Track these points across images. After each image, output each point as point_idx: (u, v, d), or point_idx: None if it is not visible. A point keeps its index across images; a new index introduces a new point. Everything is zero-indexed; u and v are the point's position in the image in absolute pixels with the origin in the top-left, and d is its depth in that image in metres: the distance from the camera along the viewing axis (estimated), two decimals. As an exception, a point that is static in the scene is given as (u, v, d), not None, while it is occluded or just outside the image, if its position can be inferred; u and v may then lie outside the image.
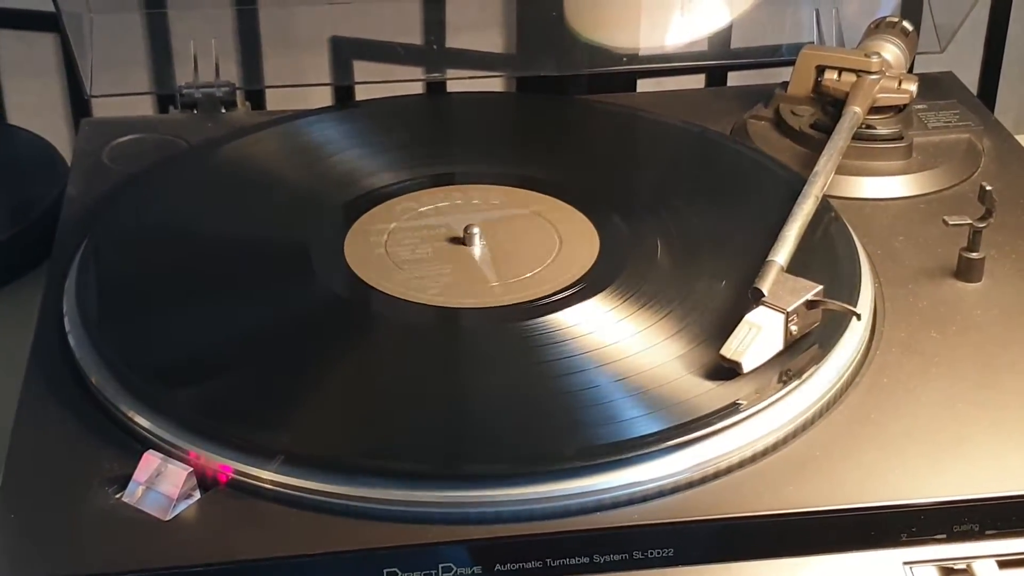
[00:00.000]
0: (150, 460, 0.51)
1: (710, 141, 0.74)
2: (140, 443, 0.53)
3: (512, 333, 0.59)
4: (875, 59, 0.74)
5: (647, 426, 0.54)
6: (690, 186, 0.71)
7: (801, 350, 0.57)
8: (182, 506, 0.51)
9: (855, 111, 0.71)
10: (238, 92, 0.80)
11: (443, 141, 0.75)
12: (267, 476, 0.52)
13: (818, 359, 0.57)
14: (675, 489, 0.53)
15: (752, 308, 0.57)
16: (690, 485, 0.53)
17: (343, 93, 0.96)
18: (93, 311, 0.59)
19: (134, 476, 0.51)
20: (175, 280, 0.62)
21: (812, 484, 0.53)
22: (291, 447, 0.52)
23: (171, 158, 0.72)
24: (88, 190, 0.70)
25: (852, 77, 0.74)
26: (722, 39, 0.90)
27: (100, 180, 0.71)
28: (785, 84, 0.78)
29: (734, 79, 0.97)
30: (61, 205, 0.74)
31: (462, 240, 0.65)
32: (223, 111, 0.78)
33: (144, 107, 0.93)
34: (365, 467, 0.52)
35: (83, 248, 0.63)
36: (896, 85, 0.73)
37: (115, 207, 0.67)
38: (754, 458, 0.54)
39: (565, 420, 0.55)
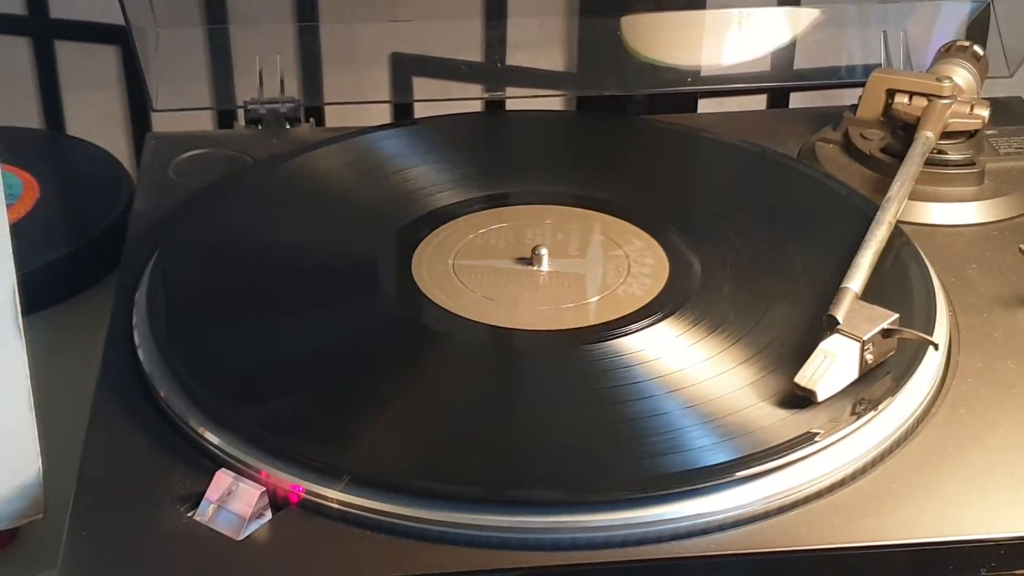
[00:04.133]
0: (222, 479, 0.51)
1: (779, 163, 0.73)
2: (210, 460, 0.53)
3: (579, 357, 0.59)
4: (947, 84, 0.73)
5: (717, 455, 0.53)
6: (759, 209, 0.70)
7: (876, 380, 0.56)
8: (254, 526, 0.50)
9: (927, 136, 0.70)
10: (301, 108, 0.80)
11: (511, 159, 0.75)
12: (337, 497, 0.51)
13: (894, 389, 0.56)
14: (747, 520, 0.52)
15: (826, 336, 0.56)
16: (766, 515, 0.52)
17: (402, 110, 0.97)
18: (162, 326, 0.59)
19: (206, 495, 0.51)
20: (243, 296, 0.62)
21: (889, 517, 0.52)
22: (360, 468, 0.52)
23: (238, 173, 0.72)
24: (155, 205, 0.70)
25: (923, 101, 0.73)
26: (785, 59, 0.89)
27: (166, 194, 0.71)
28: (854, 107, 0.77)
29: (796, 100, 0.97)
30: (126, 218, 0.75)
31: (530, 261, 0.64)
32: (287, 127, 0.79)
33: (203, 121, 0.94)
34: (434, 490, 0.51)
35: (152, 263, 0.63)
36: (968, 110, 0.72)
37: (184, 222, 0.67)
38: (831, 488, 0.53)
39: (632, 447, 0.54)
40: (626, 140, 0.78)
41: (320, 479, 0.52)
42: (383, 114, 0.97)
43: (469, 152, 0.74)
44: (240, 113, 0.90)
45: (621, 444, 0.54)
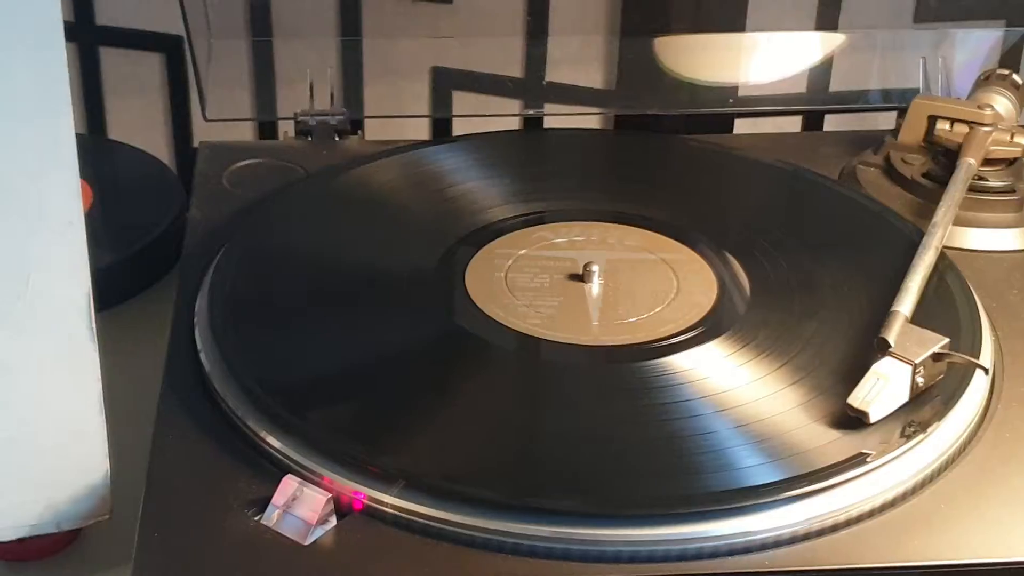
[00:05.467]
0: (288, 484, 0.52)
1: (823, 187, 0.75)
2: (273, 464, 0.54)
3: (628, 374, 0.60)
4: (988, 111, 0.74)
5: (767, 475, 0.54)
6: (802, 230, 0.71)
7: (925, 402, 0.57)
8: (319, 531, 0.51)
9: (970, 163, 0.72)
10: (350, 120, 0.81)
11: (563, 176, 0.76)
12: (399, 504, 0.53)
13: (942, 412, 0.57)
14: (796, 539, 0.53)
15: (878, 358, 0.58)
16: (816, 534, 0.53)
17: (440, 124, 0.98)
18: (224, 332, 0.60)
19: (272, 499, 0.52)
20: (302, 303, 0.63)
21: (937, 538, 0.53)
22: (423, 476, 0.53)
23: (295, 183, 0.74)
24: (210, 212, 0.71)
25: (964, 128, 0.74)
26: (821, 82, 0.90)
27: (221, 202, 0.72)
28: (895, 131, 0.78)
29: (830, 122, 0.98)
30: (177, 224, 0.76)
31: (581, 277, 0.65)
32: (336, 139, 0.80)
33: (243, 130, 0.95)
34: (496, 501, 0.52)
35: (212, 269, 0.64)
36: (1009, 138, 0.74)
37: (244, 230, 0.68)
38: (881, 509, 0.54)
39: (681, 465, 0.55)
40: (686, 161, 0.79)
41: (382, 486, 0.53)
42: (422, 126, 0.99)
43: (519, 168, 0.75)
44: (281, 124, 0.93)
45: (670, 461, 0.55)
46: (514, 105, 0.94)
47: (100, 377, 0.54)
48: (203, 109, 0.79)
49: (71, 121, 0.52)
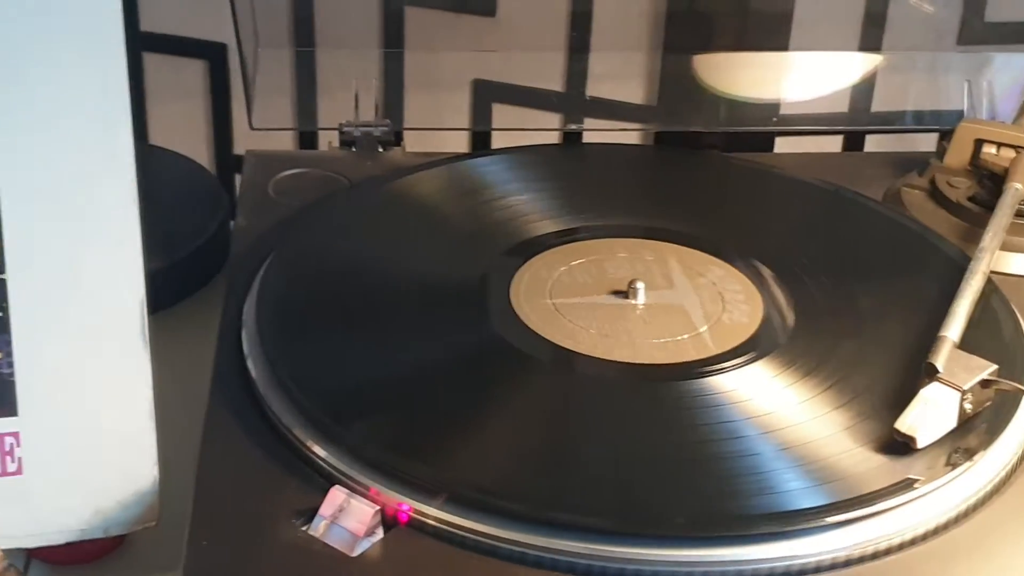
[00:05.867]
0: (336, 495, 0.53)
1: (867, 208, 0.75)
2: (319, 474, 0.55)
3: (670, 393, 0.60)
4: (1035, 136, 0.74)
5: (811, 499, 0.54)
6: (846, 252, 0.71)
7: (972, 429, 0.57)
8: (366, 543, 0.52)
9: (1016, 187, 0.71)
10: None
11: (607, 191, 0.76)
12: (446, 518, 0.53)
13: (990, 439, 0.57)
14: (839, 564, 0.53)
15: (925, 383, 0.57)
16: (863, 560, 0.53)
17: (479, 137, 0.98)
18: (271, 340, 0.60)
19: (320, 510, 0.52)
20: (348, 313, 0.64)
21: (983, 565, 0.53)
22: (471, 491, 0.53)
23: (342, 193, 0.74)
24: (256, 221, 0.72)
25: (1011, 152, 0.74)
26: (863, 102, 0.90)
27: (267, 211, 0.73)
28: (938, 154, 0.78)
29: (871, 143, 0.98)
30: (223, 231, 0.77)
31: (626, 294, 0.66)
32: (380, 150, 0.80)
33: (283, 139, 0.96)
34: (538, 516, 0.53)
35: (260, 278, 0.65)
36: (1056, 164, 0.74)
37: (291, 240, 0.68)
38: (924, 537, 0.54)
39: (722, 487, 0.55)
40: (732, 180, 0.79)
41: (427, 499, 0.53)
42: (461, 138, 0.99)
43: (564, 181, 0.76)
44: (321, 133, 0.93)
45: (711, 483, 0.55)
46: (554, 119, 0.94)
47: (152, 385, 0.54)
48: (249, 118, 0.80)
49: (130, 130, 0.52)
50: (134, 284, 0.53)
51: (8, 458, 0.53)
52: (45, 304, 0.52)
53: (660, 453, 0.57)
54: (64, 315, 0.52)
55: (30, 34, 0.50)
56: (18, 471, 0.53)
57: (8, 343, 0.52)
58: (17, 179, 0.51)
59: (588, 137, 0.95)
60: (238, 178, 1.01)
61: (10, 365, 0.52)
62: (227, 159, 1.01)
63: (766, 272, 0.68)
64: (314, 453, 0.55)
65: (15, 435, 0.53)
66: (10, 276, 0.52)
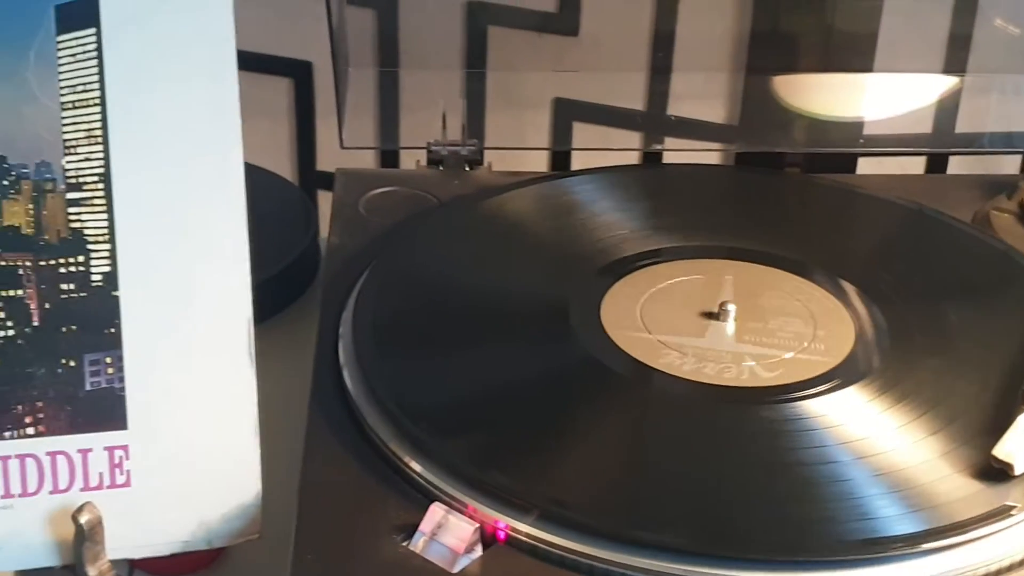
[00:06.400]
0: (435, 512, 0.53)
1: (958, 231, 0.74)
2: (417, 490, 0.55)
3: (762, 417, 0.60)
4: None
5: (906, 525, 0.54)
6: (940, 276, 0.71)
7: (1071, 457, 0.57)
8: (465, 560, 0.52)
9: (1108, 213, 0.71)
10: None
11: (697, 212, 0.77)
12: (540, 535, 0.53)
13: (1089, 467, 0.57)
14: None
15: (1021, 410, 0.57)
16: (956, 587, 0.53)
17: (560, 155, 0.99)
18: (368, 358, 0.61)
19: (420, 526, 0.53)
20: (442, 330, 0.65)
21: (1080, 595, 0.53)
22: (553, 506, 0.54)
23: (435, 211, 0.75)
24: (348, 239, 0.73)
25: (1102, 177, 0.74)
26: (947, 124, 0.90)
27: (358, 229, 0.74)
28: (1025, 176, 0.78)
29: (954, 164, 0.97)
30: (310, 249, 0.78)
31: (716, 315, 0.66)
32: (466, 169, 0.81)
33: (366, 157, 0.97)
34: (631, 536, 0.53)
35: (355, 296, 0.66)
36: None
37: (386, 257, 0.69)
38: (1022, 564, 0.54)
39: (814, 512, 0.55)
40: (818, 201, 0.80)
41: (522, 516, 0.54)
42: (540, 156, 1.00)
43: (653, 201, 0.76)
44: (403, 152, 0.94)
45: (803, 507, 0.55)
46: (634, 138, 0.95)
47: (256, 401, 0.55)
48: (341, 137, 0.81)
49: (240, 153, 0.53)
50: (242, 301, 0.54)
51: (117, 470, 0.54)
52: (156, 321, 0.53)
53: (752, 476, 0.57)
54: (174, 331, 0.54)
55: (148, 61, 0.51)
56: (126, 483, 0.54)
57: (120, 359, 0.53)
58: (131, 199, 0.52)
59: (668, 157, 0.95)
60: (320, 193, 1.03)
61: (121, 380, 0.53)
62: (310, 175, 1.03)
63: (856, 294, 0.68)
64: (411, 469, 0.56)
65: (124, 448, 0.54)
66: (123, 293, 0.53)
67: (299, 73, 0.99)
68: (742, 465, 0.58)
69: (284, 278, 0.76)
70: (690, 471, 0.58)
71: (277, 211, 0.82)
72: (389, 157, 0.98)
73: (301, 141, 1.02)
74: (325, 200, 1.01)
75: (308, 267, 0.79)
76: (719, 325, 0.66)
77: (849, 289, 0.68)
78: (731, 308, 0.66)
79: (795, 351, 0.64)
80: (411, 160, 0.84)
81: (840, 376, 0.62)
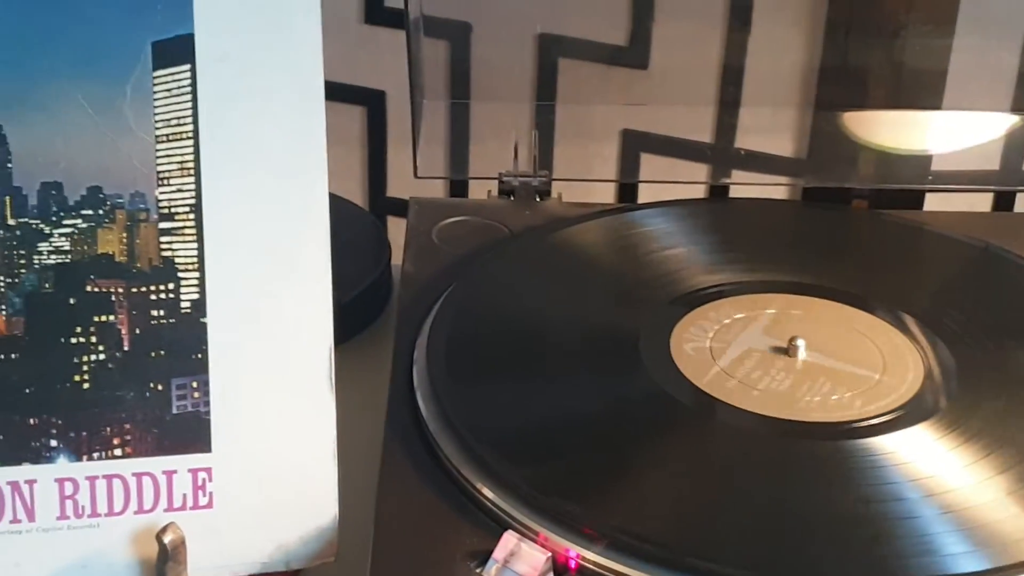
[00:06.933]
0: (508, 540, 0.54)
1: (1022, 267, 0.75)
2: (489, 517, 0.57)
3: (832, 452, 0.61)
4: None
5: (974, 563, 0.54)
6: (1011, 315, 0.71)
7: None
8: (538, 588, 0.53)
9: None
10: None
11: (766, 246, 0.77)
12: (610, 565, 0.54)
13: None
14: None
15: (1092, 451, 0.58)
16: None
17: (627, 186, 1.00)
18: (442, 385, 0.63)
19: (493, 553, 0.54)
20: (515, 359, 0.66)
21: None
22: (621, 535, 0.55)
23: (507, 241, 0.77)
24: (422, 267, 0.74)
25: None
26: (1015, 161, 0.90)
27: (431, 257, 0.75)
28: (1099, 217, 0.78)
29: (1021, 202, 0.97)
30: (383, 276, 0.79)
31: (786, 350, 0.67)
32: (537, 199, 0.82)
33: (435, 186, 0.99)
34: (702, 567, 0.54)
35: (430, 324, 0.67)
36: None
37: (461, 287, 0.71)
38: (1092, 605, 0.54)
39: (881, 548, 0.55)
40: (886, 237, 0.80)
41: (592, 545, 0.55)
42: (607, 186, 1.01)
43: (723, 235, 0.77)
44: (472, 182, 0.96)
45: (870, 544, 0.56)
46: (701, 171, 0.96)
47: (335, 425, 0.57)
48: (415, 166, 0.83)
49: (326, 184, 0.55)
50: (324, 328, 0.56)
51: (200, 492, 0.56)
52: (241, 347, 0.55)
53: (819, 511, 0.58)
54: (259, 358, 0.55)
55: (240, 96, 0.53)
56: (209, 505, 0.56)
57: (206, 383, 0.55)
58: (220, 228, 0.54)
59: (735, 190, 0.96)
60: (390, 220, 1.04)
61: (207, 404, 0.55)
62: (381, 202, 1.05)
63: (923, 331, 0.69)
64: (484, 496, 0.57)
65: (208, 471, 0.56)
66: (210, 320, 0.55)
67: (372, 102, 1.01)
68: (810, 500, 0.58)
69: (358, 304, 0.77)
70: (757, 504, 0.58)
71: (351, 237, 0.84)
72: (457, 186, 1.00)
73: (372, 168, 1.04)
74: (393, 225, 1.03)
75: (381, 293, 0.81)
76: (789, 360, 0.66)
77: (916, 326, 0.69)
78: (801, 343, 0.66)
79: (863, 387, 0.65)
80: (479, 190, 0.86)
81: (909, 413, 0.63)
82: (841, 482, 0.59)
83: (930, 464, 0.60)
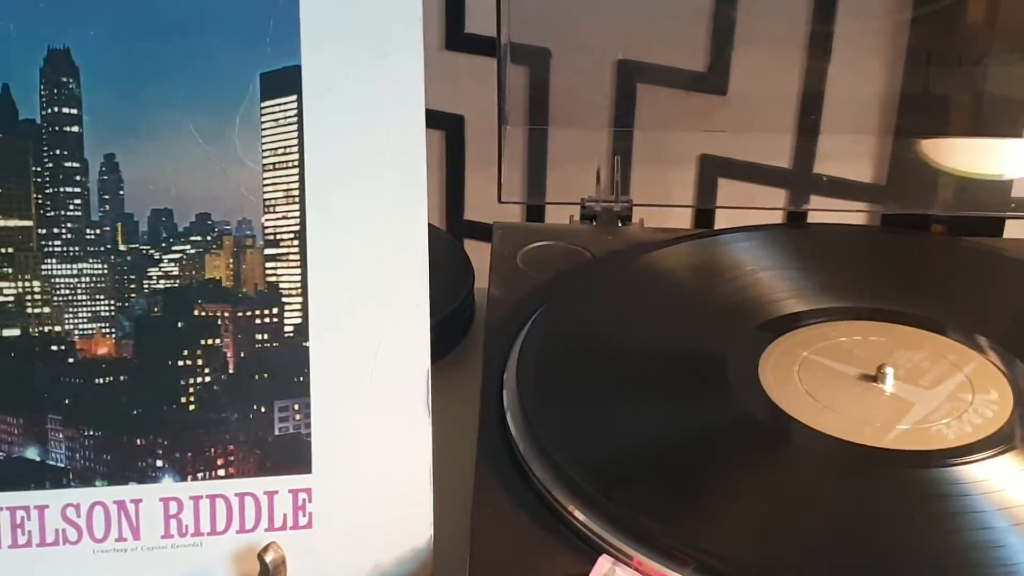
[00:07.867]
0: (603, 564, 0.55)
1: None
2: (581, 540, 0.57)
3: (919, 481, 0.61)
4: None
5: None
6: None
7: None
8: (632, 612, 0.54)
9: None
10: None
11: (850, 273, 0.78)
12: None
13: None
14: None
15: None
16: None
17: (704, 213, 1.01)
18: (532, 408, 0.64)
19: (588, 576, 0.55)
20: (604, 382, 0.67)
21: None
22: (713, 560, 0.55)
23: (592, 265, 0.77)
24: (508, 291, 0.75)
25: None
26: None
27: (516, 282, 0.76)
28: None
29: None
30: (467, 299, 0.80)
31: (874, 378, 0.67)
32: (619, 224, 0.83)
33: (512, 210, 1.00)
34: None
35: (519, 348, 0.68)
36: None
37: (549, 312, 0.72)
38: None
39: (969, 576, 0.56)
40: (974, 264, 0.80)
41: (693, 572, 0.55)
42: (684, 212, 1.01)
43: (805, 261, 0.77)
44: (547, 207, 0.97)
45: (959, 572, 0.56)
46: (780, 197, 0.96)
47: (431, 448, 0.58)
48: (499, 192, 0.84)
49: (425, 212, 0.56)
50: (421, 353, 0.57)
51: (300, 512, 0.57)
52: (342, 370, 0.56)
53: (909, 540, 0.58)
54: (358, 381, 0.56)
55: (344, 126, 0.55)
56: (308, 525, 0.57)
57: (307, 406, 0.56)
58: (324, 255, 0.55)
59: (813, 216, 0.96)
60: (466, 242, 1.06)
61: (308, 426, 0.56)
62: (458, 225, 1.06)
63: (1012, 359, 0.68)
64: (576, 519, 0.58)
65: (308, 491, 0.57)
66: (313, 344, 0.56)
67: (451, 126, 1.02)
68: (899, 527, 0.59)
69: (445, 326, 0.78)
70: (847, 531, 0.58)
71: (436, 260, 0.84)
72: (534, 211, 1.01)
73: (450, 191, 1.05)
74: (470, 248, 1.04)
75: (466, 316, 0.82)
76: (877, 388, 0.67)
77: (998, 352, 0.69)
78: (889, 371, 0.66)
79: (953, 415, 0.65)
80: (555, 214, 0.86)
81: (1000, 441, 0.63)
82: (930, 512, 0.59)
83: (1021, 493, 0.59)
